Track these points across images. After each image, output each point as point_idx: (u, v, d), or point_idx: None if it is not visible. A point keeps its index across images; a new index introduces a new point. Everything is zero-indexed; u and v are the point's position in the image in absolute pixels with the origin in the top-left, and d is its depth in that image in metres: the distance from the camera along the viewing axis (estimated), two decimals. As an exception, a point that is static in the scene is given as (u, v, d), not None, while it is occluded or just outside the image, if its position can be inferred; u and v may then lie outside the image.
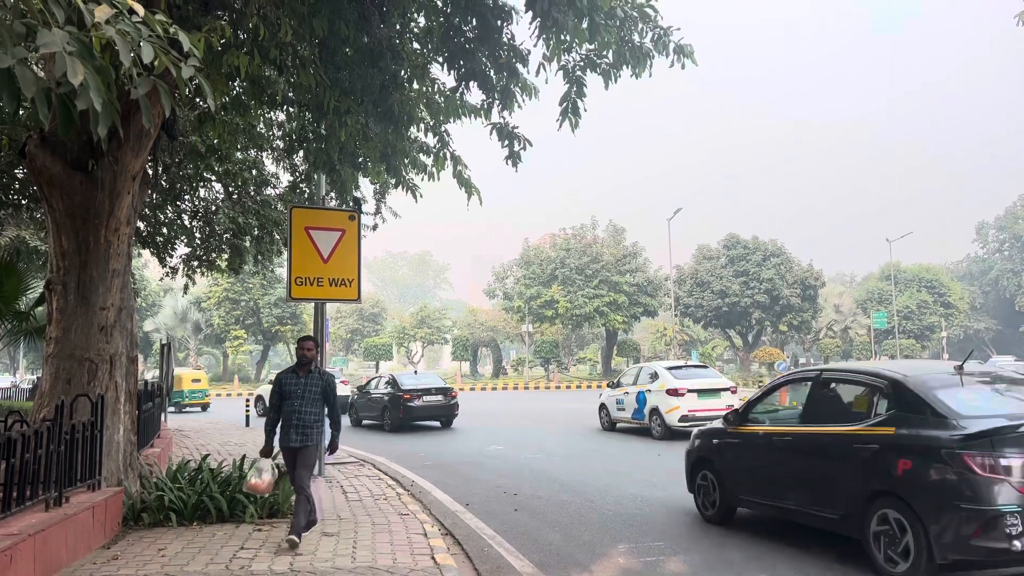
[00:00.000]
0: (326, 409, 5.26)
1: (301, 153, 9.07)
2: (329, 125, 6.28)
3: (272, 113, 8.93)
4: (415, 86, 6.79)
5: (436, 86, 6.95)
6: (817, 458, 4.81)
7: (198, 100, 7.21)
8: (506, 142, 6.63)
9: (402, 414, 14.88)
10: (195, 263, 13.54)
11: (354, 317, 55.33)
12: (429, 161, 7.51)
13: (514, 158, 6.78)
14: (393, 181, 7.92)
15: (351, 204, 8.84)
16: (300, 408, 5.10)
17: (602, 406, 14.86)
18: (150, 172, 7.16)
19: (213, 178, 11.49)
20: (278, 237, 13.03)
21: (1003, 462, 3.82)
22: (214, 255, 13.51)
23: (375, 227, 13.57)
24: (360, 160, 7.75)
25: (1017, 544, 3.70)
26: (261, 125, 9.06)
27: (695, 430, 6.55)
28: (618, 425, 13.91)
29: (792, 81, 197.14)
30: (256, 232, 12.12)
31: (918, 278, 58.48)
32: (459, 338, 47.22)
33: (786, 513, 5.14)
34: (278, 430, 5.20)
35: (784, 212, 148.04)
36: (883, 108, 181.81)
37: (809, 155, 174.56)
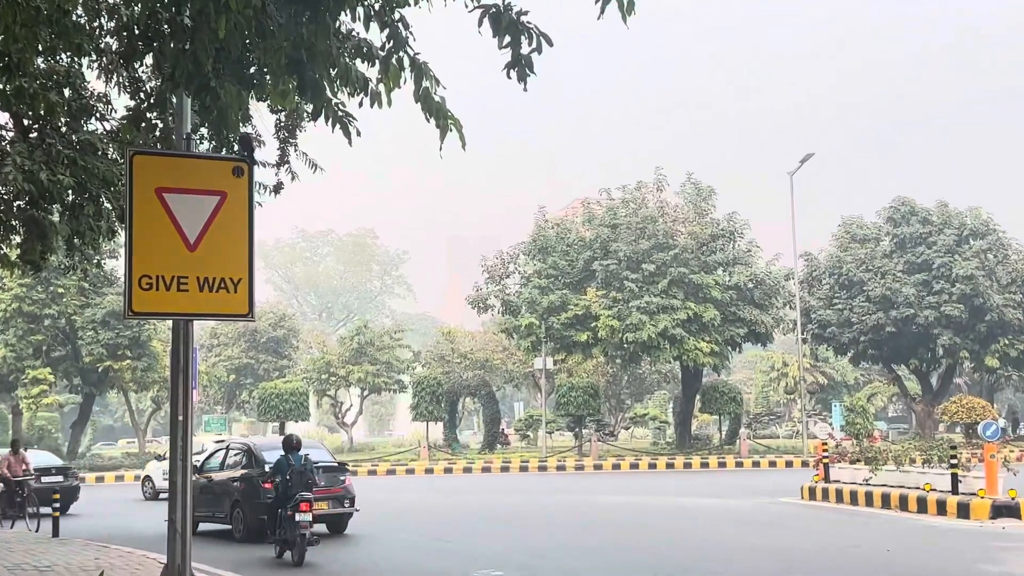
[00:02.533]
0: None
1: (149, 59, 9.05)
2: (198, 11, 6.27)
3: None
4: (348, -59, 6.82)
5: (385, -59, 6.99)
6: (221, 489, 17.74)
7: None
8: (507, 39, 6.62)
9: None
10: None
11: (242, 345, 55.74)
12: (374, 73, 7.50)
13: (520, 66, 6.76)
14: (310, 107, 7.93)
15: (237, 148, 8.81)
16: None
17: (147, 478, 28.47)
18: None
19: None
20: (109, 207, 13.05)
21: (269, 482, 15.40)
22: (-3, 237, 13.72)
23: (278, 189, 13.56)
24: (252, 71, 7.75)
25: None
26: (80, 11, 9.10)
27: None
28: (161, 495, 24.85)
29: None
30: (71, 197, 12.10)
31: None
32: (424, 381, 47.25)
33: (211, 520, 17.87)
34: None
35: (981, 163, 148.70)
36: None
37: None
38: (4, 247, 14.10)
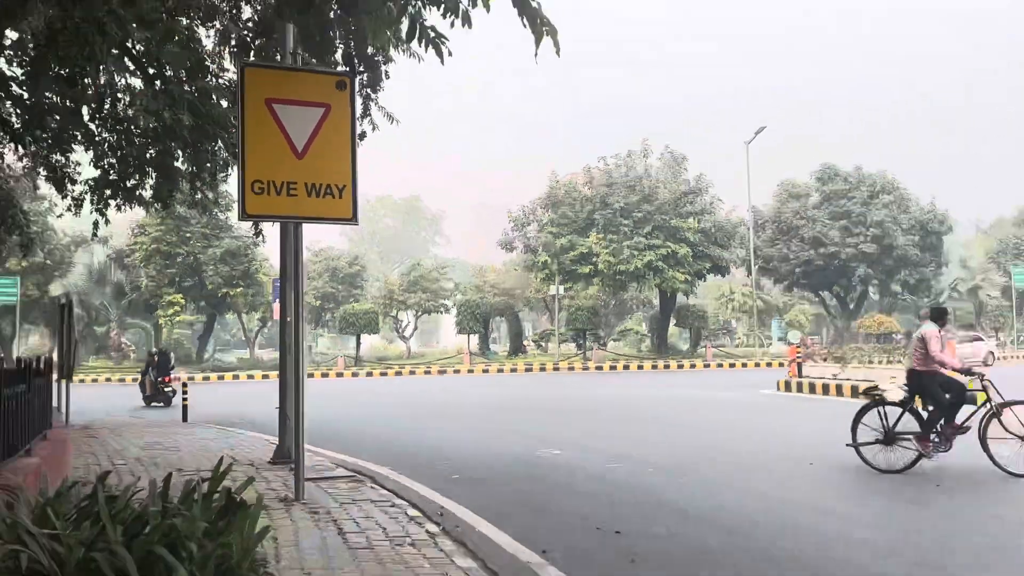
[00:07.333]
0: None
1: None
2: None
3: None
4: None
5: None
6: None
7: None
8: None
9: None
10: (107, 191, 13.85)
11: (325, 278, 64.29)
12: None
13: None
14: (405, 28, 7.36)
15: (340, 66, 8.19)
16: None
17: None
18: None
19: (129, 64, 11.58)
20: (220, 146, 13.08)
21: None
22: (134, 180, 13.70)
23: (361, 137, 13.44)
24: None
25: None
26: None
27: None
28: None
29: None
30: (189, 136, 11.92)
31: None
32: (465, 304, 53.91)
33: None
34: None
35: (889, 135, 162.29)
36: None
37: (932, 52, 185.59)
38: (139, 189, 14.71)
